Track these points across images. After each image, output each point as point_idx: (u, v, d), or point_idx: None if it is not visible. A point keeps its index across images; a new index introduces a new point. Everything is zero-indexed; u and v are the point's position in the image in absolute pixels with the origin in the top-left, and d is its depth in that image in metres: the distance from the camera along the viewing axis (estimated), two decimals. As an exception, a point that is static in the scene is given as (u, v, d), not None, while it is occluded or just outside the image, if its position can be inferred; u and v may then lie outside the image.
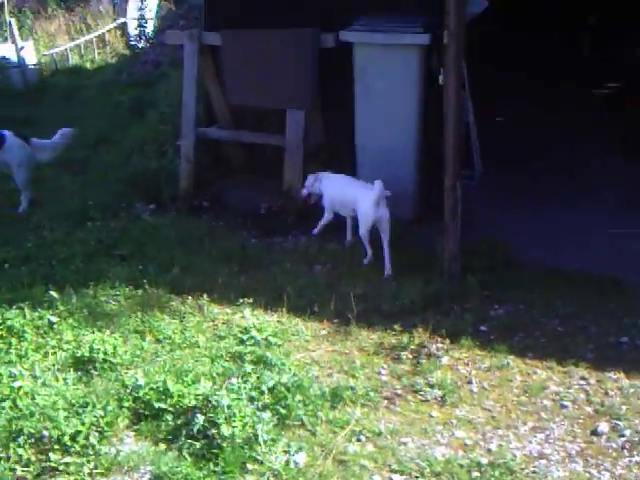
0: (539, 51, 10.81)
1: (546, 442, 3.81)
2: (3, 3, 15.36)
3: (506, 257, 5.60)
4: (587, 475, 3.59)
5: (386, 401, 4.17)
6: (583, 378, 4.31)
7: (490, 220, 6.26)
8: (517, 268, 5.54)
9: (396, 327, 4.78)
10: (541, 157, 7.75)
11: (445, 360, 4.51)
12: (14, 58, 13.60)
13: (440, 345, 4.64)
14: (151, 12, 15.95)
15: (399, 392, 4.24)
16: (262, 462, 3.59)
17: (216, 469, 3.55)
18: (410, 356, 4.55)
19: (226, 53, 6.73)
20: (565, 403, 4.09)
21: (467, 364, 4.48)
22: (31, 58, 14.27)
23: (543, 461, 3.67)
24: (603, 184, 7.09)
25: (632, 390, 4.19)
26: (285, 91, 6.49)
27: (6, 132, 7.05)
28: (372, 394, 4.18)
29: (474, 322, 4.89)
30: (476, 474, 3.56)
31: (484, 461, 3.63)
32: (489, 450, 3.75)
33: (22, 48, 13.75)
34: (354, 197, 5.87)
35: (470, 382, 4.30)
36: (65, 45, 16.08)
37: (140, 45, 14.92)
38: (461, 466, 3.61)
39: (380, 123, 6.19)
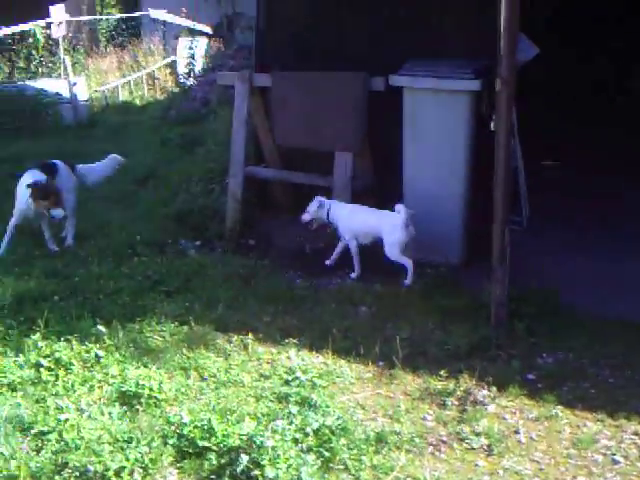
0: (587, 94, 10.76)
1: (597, 498, 3.72)
2: (58, 41, 15.74)
3: (554, 304, 5.51)
4: (639, 534, 3.50)
5: (431, 447, 4.10)
6: (636, 433, 4.18)
7: (538, 266, 6.18)
8: (566, 315, 5.43)
9: (442, 372, 4.73)
10: (589, 202, 7.67)
11: (492, 408, 4.42)
12: (66, 94, 13.90)
13: (486, 392, 4.56)
14: (200, 51, 16.25)
15: (444, 439, 4.17)
16: (306, 506, 3.56)
17: (259, 510, 3.53)
18: (456, 402, 4.48)
19: (276, 94, 6.82)
20: (617, 458, 3.96)
21: (514, 413, 4.39)
22: (83, 94, 14.57)
23: (593, 517, 3.59)
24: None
25: (687, 447, 4.08)
26: (334, 133, 6.54)
27: (58, 161, 7.21)
28: (417, 440, 4.11)
29: (521, 370, 4.81)
30: (524, 528, 3.49)
31: (532, 514, 3.56)
32: (537, 503, 3.67)
33: (74, 84, 14.05)
34: (379, 224, 6.04)
35: (517, 432, 4.21)
36: (116, 82, 16.43)
37: (189, 83, 15.18)
38: (508, 518, 3.55)
39: (429, 167, 6.20)
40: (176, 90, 15.97)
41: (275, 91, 6.83)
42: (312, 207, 6.34)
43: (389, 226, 5.97)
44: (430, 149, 6.18)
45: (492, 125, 5.10)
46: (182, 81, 15.86)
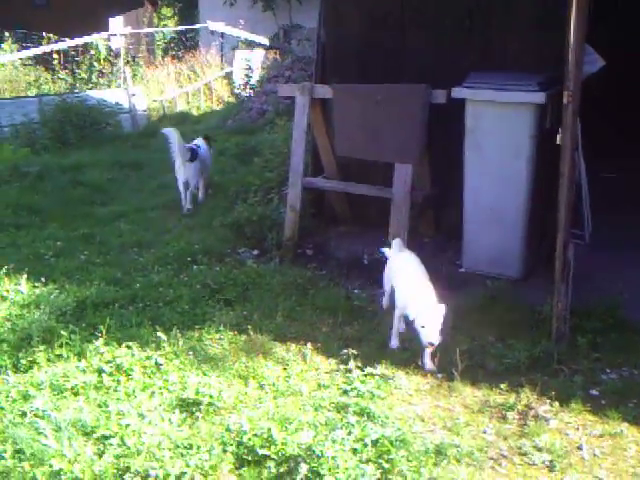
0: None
1: (663, 518, 3.63)
2: (119, 52, 16.07)
3: (618, 318, 5.39)
4: None
5: (491, 462, 4.05)
6: None
7: (601, 279, 6.04)
8: (630, 330, 5.32)
9: (502, 386, 4.68)
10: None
11: (554, 423, 4.35)
12: (126, 104, 14.14)
13: (548, 407, 4.49)
14: (257, 62, 16.41)
15: (505, 453, 4.12)
16: (365, 517, 3.54)
17: (319, 520, 3.52)
18: (517, 417, 4.43)
19: (337, 106, 6.82)
20: (685, 478, 3.88)
21: (577, 429, 4.32)
22: (141, 104, 14.82)
23: (660, 538, 3.50)
24: None
25: None
26: (394, 145, 6.50)
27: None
28: (477, 453, 4.07)
29: (584, 385, 4.72)
30: None
31: (596, 533, 3.49)
32: (602, 522, 3.60)
33: (134, 94, 14.29)
34: None
35: (581, 448, 4.13)
36: (174, 92, 16.67)
37: (245, 94, 15.34)
38: (572, 536, 3.48)
39: (490, 179, 6.11)
40: (233, 101, 16.15)
41: (336, 103, 6.82)
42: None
43: None
44: (492, 161, 6.09)
45: (558, 139, 5.01)
46: (239, 92, 16.03)
